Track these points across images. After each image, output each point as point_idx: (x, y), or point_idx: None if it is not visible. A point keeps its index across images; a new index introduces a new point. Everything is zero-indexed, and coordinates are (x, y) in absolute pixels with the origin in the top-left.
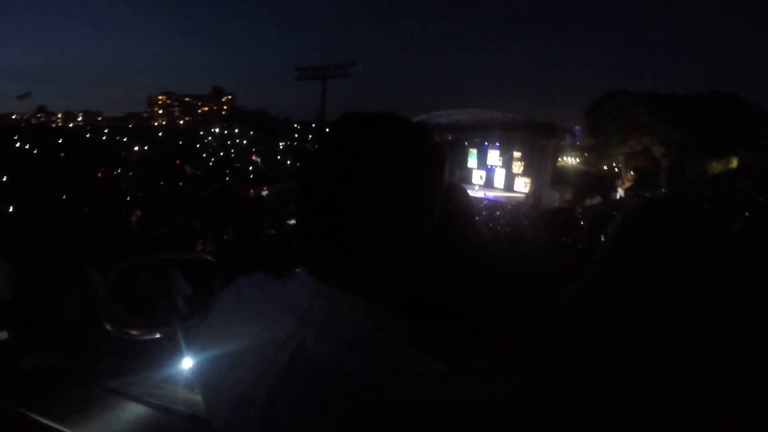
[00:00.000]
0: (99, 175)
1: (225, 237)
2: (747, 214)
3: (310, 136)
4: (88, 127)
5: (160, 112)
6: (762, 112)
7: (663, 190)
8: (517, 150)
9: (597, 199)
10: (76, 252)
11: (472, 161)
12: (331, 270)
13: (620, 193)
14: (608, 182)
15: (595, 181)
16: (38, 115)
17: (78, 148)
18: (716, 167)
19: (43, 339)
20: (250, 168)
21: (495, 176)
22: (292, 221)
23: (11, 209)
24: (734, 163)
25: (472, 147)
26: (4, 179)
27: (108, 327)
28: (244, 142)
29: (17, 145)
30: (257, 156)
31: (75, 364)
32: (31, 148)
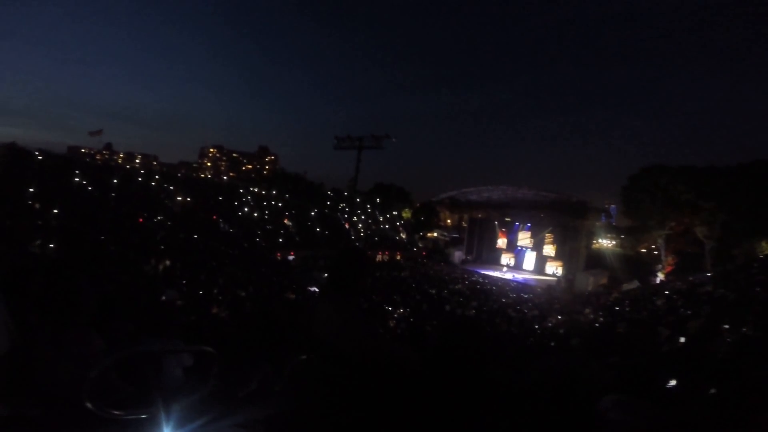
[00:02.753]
0: (140, 220)
1: (242, 302)
2: None
3: (341, 205)
4: (142, 171)
5: (209, 164)
6: None
7: (708, 275)
8: (549, 231)
9: (635, 284)
10: (85, 317)
11: (501, 241)
12: None
13: (660, 277)
14: (647, 266)
15: (633, 265)
16: (104, 153)
17: (128, 191)
18: (767, 247)
19: (26, 391)
20: (281, 231)
21: (525, 258)
22: (313, 288)
23: (51, 245)
24: None
25: (503, 227)
26: (55, 212)
27: (89, 406)
28: (279, 204)
29: (76, 179)
30: (289, 220)
31: (51, 420)
32: (88, 185)
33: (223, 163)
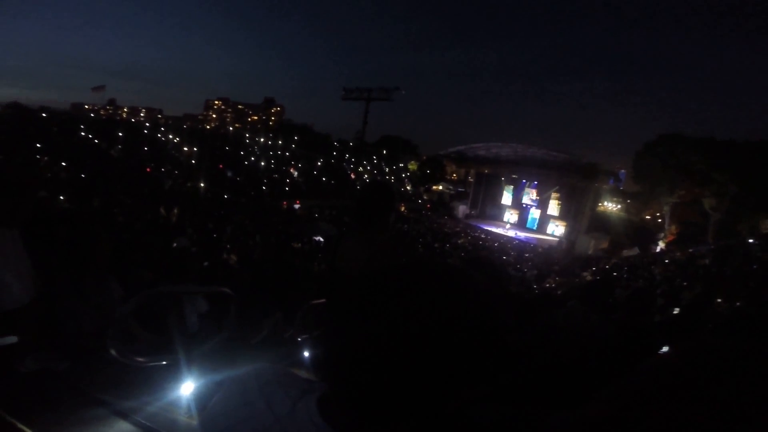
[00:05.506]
0: (148, 170)
1: (251, 250)
2: None
3: (347, 155)
4: (147, 124)
5: (214, 116)
6: None
7: (711, 247)
8: (556, 191)
9: (635, 251)
10: (102, 264)
11: (506, 198)
12: (342, 416)
13: (661, 245)
14: (649, 233)
15: (635, 231)
16: (107, 108)
17: (135, 143)
18: None
19: (53, 344)
20: (287, 180)
21: (529, 216)
22: (318, 237)
23: (62, 198)
24: None
25: (509, 183)
26: (63, 164)
27: (113, 353)
28: (286, 154)
29: (82, 134)
30: (295, 170)
31: (79, 372)
32: (94, 139)
33: (229, 115)
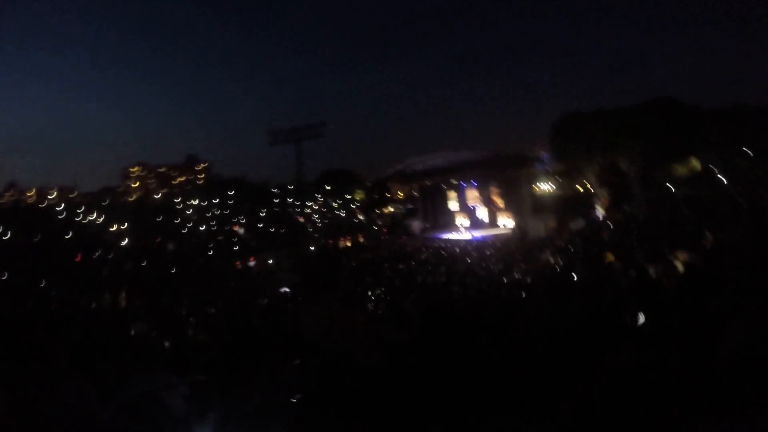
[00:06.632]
0: (78, 258)
1: (215, 319)
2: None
3: (290, 200)
4: (62, 205)
5: (136, 185)
6: (703, 111)
7: (643, 199)
8: (494, 186)
9: (580, 222)
10: (64, 364)
11: (453, 204)
12: None
13: (600, 211)
14: (586, 203)
15: (574, 204)
16: (9, 193)
17: (53, 230)
18: (681, 170)
19: None
20: (234, 239)
21: (478, 215)
22: (284, 288)
23: None
24: (694, 163)
25: (451, 189)
26: None
27: None
28: (225, 212)
29: None
30: (239, 227)
31: None
32: (4, 232)
33: (152, 181)
